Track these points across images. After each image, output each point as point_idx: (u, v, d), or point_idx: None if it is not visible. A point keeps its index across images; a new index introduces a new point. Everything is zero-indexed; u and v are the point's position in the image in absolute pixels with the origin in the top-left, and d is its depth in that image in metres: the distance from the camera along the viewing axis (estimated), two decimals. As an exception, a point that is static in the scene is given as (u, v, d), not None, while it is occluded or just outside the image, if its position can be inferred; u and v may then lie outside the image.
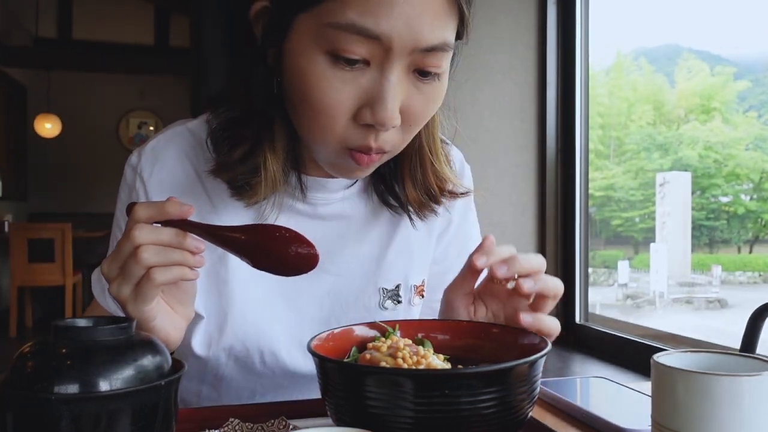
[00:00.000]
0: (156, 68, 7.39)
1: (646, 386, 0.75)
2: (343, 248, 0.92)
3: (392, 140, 0.77)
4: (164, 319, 0.71)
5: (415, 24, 0.68)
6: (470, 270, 0.75)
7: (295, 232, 0.68)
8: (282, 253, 0.67)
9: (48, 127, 7.06)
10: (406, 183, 0.91)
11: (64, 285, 5.26)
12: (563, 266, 2.27)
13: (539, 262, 0.74)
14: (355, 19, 0.68)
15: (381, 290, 0.95)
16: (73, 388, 0.49)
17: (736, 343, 0.75)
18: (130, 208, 0.68)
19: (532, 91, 2.30)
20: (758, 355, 0.59)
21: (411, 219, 0.94)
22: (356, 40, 0.69)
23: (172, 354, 0.60)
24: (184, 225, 0.67)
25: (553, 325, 0.73)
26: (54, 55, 7.27)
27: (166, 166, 0.87)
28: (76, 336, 0.52)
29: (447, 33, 0.72)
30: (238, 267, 0.87)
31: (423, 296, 0.98)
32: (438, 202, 0.93)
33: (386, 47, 0.69)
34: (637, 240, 3.24)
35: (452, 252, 1.04)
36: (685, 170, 2.83)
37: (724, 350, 0.59)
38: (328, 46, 0.70)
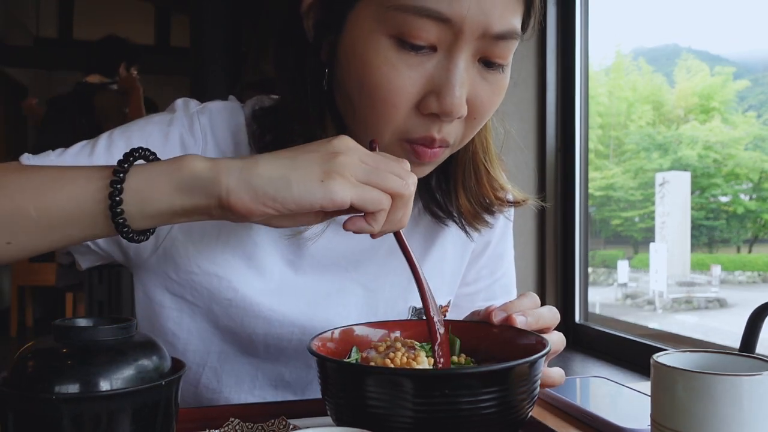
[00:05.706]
0: (156, 68, 7.39)
1: (646, 386, 0.75)
2: (375, 260, 0.88)
3: (456, 133, 0.74)
4: None
5: (487, 7, 0.67)
6: (484, 318, 0.73)
7: None
8: None
9: (48, 127, 7.05)
10: (459, 193, 0.86)
11: (64, 285, 5.26)
12: (563, 266, 2.27)
13: (556, 318, 0.73)
14: (427, 1, 0.66)
15: (411, 309, 0.91)
16: (73, 388, 0.49)
17: (736, 343, 0.75)
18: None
19: (532, 90, 2.29)
20: (758, 354, 0.60)
21: (466, 231, 0.89)
22: (425, 23, 0.66)
23: None
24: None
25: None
26: (54, 55, 7.26)
27: (218, 141, 0.83)
28: (76, 336, 0.52)
29: (515, 20, 0.71)
30: (262, 264, 0.82)
31: (445, 317, 0.93)
32: (492, 213, 0.89)
33: (456, 31, 0.67)
34: (637, 240, 3.24)
35: (485, 273, 1.00)
36: (685, 170, 2.83)
37: (724, 350, 0.59)
38: (393, 30, 0.68)
